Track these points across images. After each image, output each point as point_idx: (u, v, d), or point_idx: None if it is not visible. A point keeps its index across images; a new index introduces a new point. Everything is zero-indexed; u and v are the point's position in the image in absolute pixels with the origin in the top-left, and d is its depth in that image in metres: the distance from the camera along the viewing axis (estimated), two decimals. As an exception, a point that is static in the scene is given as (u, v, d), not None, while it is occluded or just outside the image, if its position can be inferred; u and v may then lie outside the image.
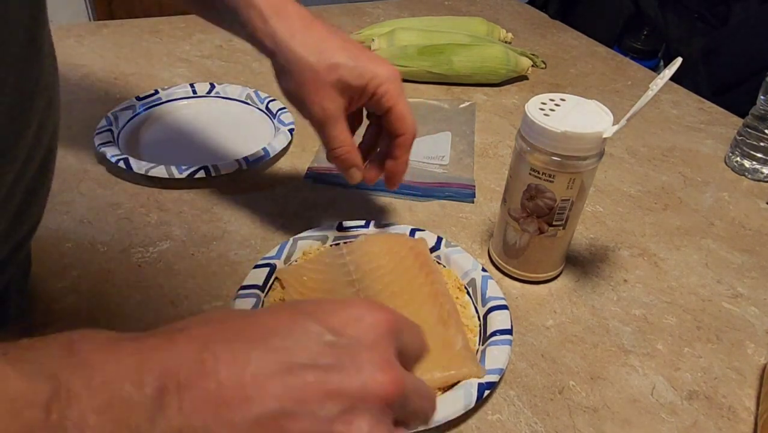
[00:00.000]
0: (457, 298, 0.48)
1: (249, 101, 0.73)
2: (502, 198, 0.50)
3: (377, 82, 0.43)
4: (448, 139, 0.71)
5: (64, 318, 0.45)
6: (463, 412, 0.38)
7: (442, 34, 0.86)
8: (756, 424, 0.41)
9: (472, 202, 0.61)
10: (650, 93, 0.41)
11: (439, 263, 0.51)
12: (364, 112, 0.49)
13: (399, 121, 0.44)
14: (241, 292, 0.45)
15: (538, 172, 0.45)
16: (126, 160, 0.58)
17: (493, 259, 0.53)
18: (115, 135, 0.65)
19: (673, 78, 0.42)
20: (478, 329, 0.46)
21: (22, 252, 0.40)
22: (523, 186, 0.46)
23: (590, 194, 0.63)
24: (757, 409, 0.43)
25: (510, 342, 0.43)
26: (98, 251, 0.51)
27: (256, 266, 0.48)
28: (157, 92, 0.72)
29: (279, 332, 0.23)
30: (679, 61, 0.41)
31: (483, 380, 0.40)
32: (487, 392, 0.40)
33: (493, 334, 0.44)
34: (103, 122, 0.65)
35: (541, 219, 0.47)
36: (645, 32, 1.23)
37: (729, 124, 0.80)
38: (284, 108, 0.70)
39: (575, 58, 0.96)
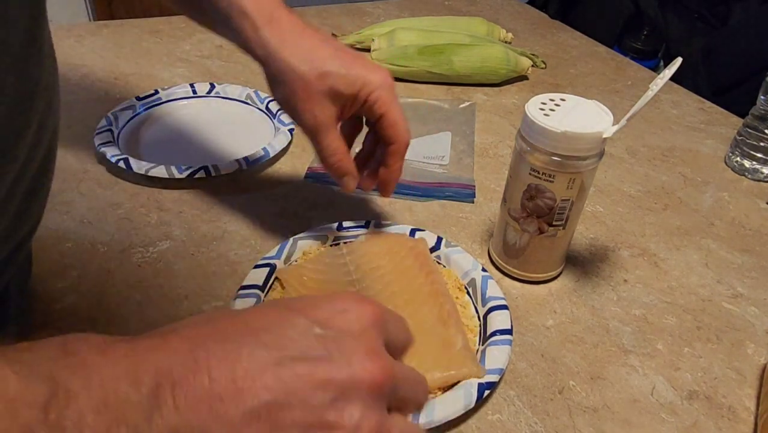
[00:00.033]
0: (457, 298, 0.48)
1: (249, 101, 0.73)
2: (502, 198, 0.50)
3: (369, 89, 0.43)
4: (448, 139, 0.71)
5: (64, 318, 0.45)
6: (463, 412, 0.38)
7: (442, 34, 0.86)
8: (756, 424, 0.41)
9: (472, 202, 0.61)
10: (650, 93, 0.41)
11: (439, 263, 0.51)
12: (364, 119, 0.49)
13: (391, 128, 0.44)
14: (241, 292, 0.45)
15: (538, 172, 0.45)
16: (126, 160, 0.58)
17: (493, 259, 0.53)
18: (115, 135, 0.65)
19: (673, 78, 0.42)
20: (478, 329, 0.46)
21: (22, 252, 0.40)
22: (523, 186, 0.46)
23: (590, 194, 0.63)
24: (757, 409, 0.43)
25: (510, 342, 0.43)
26: (98, 251, 0.51)
27: (256, 266, 0.48)
28: (157, 92, 0.72)
29: (268, 328, 0.23)
30: (679, 61, 0.41)
31: (483, 380, 0.40)
32: (487, 392, 0.40)
33: (493, 334, 0.44)
34: (103, 122, 0.65)
35: (541, 219, 0.47)
36: (645, 32, 1.23)
37: (729, 124, 0.80)
38: (284, 108, 0.70)
39: (575, 58, 0.96)
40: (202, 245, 0.53)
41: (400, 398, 0.25)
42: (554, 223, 0.47)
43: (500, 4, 1.16)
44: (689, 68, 0.85)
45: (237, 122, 0.71)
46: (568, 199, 0.46)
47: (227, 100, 0.74)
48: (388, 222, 0.54)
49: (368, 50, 0.86)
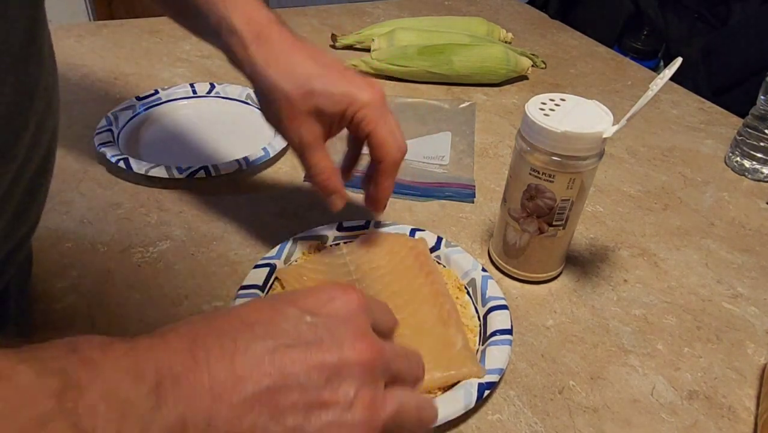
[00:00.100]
0: (457, 298, 0.48)
1: (249, 101, 0.73)
2: (502, 198, 0.50)
3: (355, 107, 0.41)
4: (448, 139, 0.71)
5: (64, 318, 0.45)
6: (463, 412, 0.38)
7: (442, 34, 0.86)
8: (756, 424, 0.41)
9: (472, 202, 0.61)
10: (650, 93, 0.41)
11: (439, 263, 0.51)
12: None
13: (378, 147, 0.43)
14: (241, 292, 0.45)
15: (538, 172, 0.45)
16: (126, 160, 0.58)
17: (493, 259, 0.53)
18: (115, 135, 0.65)
19: (673, 78, 0.42)
20: (478, 329, 0.46)
21: (21, 252, 0.40)
22: (523, 186, 0.46)
23: (590, 194, 0.63)
24: (757, 409, 0.43)
25: (510, 342, 0.43)
26: (98, 251, 0.51)
27: (256, 266, 0.48)
28: (157, 92, 0.72)
29: (261, 321, 0.25)
30: (679, 61, 0.41)
31: (483, 380, 0.40)
32: (487, 392, 0.40)
33: (493, 334, 0.44)
34: (103, 122, 0.65)
35: (541, 219, 0.47)
36: (645, 32, 1.23)
37: (729, 124, 0.80)
38: (284, 108, 0.70)
39: (575, 58, 0.96)
40: (202, 245, 0.53)
41: (395, 373, 0.27)
42: (554, 223, 0.47)
43: (500, 4, 1.16)
44: (689, 68, 0.85)
45: (237, 122, 0.71)
46: (568, 199, 0.46)
47: (227, 100, 0.74)
48: (388, 222, 0.54)
49: (368, 50, 0.86)
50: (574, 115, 0.44)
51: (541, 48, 0.99)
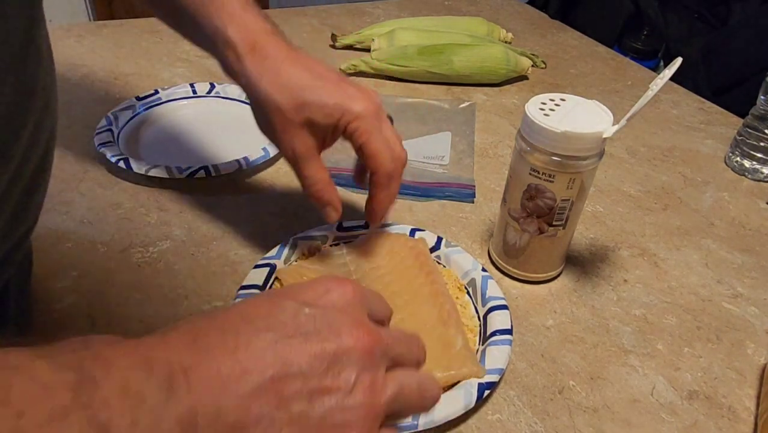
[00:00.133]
0: (457, 298, 0.48)
1: (249, 101, 0.73)
2: (502, 198, 0.50)
3: (347, 119, 0.41)
4: (448, 139, 0.71)
5: (64, 318, 0.45)
6: (463, 412, 0.38)
7: (442, 34, 0.86)
8: (756, 424, 0.41)
9: (472, 202, 0.61)
10: (650, 93, 0.41)
11: (439, 263, 0.51)
12: None
13: (371, 159, 0.42)
14: (241, 292, 0.45)
15: (538, 172, 0.45)
16: (126, 160, 0.58)
17: (493, 259, 0.53)
18: (115, 135, 0.65)
19: (673, 78, 0.42)
20: (478, 329, 0.46)
21: (20, 252, 0.40)
22: (523, 186, 0.46)
23: (590, 194, 0.63)
24: (757, 409, 0.43)
25: (510, 342, 0.43)
26: (98, 251, 0.51)
27: (256, 266, 0.48)
28: (157, 92, 0.72)
29: (261, 315, 0.26)
30: (679, 61, 0.41)
31: (483, 380, 0.40)
32: (487, 392, 0.40)
33: (493, 334, 0.44)
34: (103, 122, 0.65)
35: (541, 219, 0.47)
36: (645, 32, 1.23)
37: (729, 124, 0.80)
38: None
39: (575, 58, 0.96)
40: (202, 245, 0.53)
41: (395, 356, 0.28)
42: (554, 223, 0.47)
43: (500, 4, 1.16)
44: (689, 68, 0.85)
45: (237, 122, 0.71)
46: (568, 199, 0.46)
47: (227, 100, 0.74)
48: (388, 222, 0.54)
49: (368, 50, 0.86)
50: (574, 115, 0.44)
51: (541, 48, 0.99)
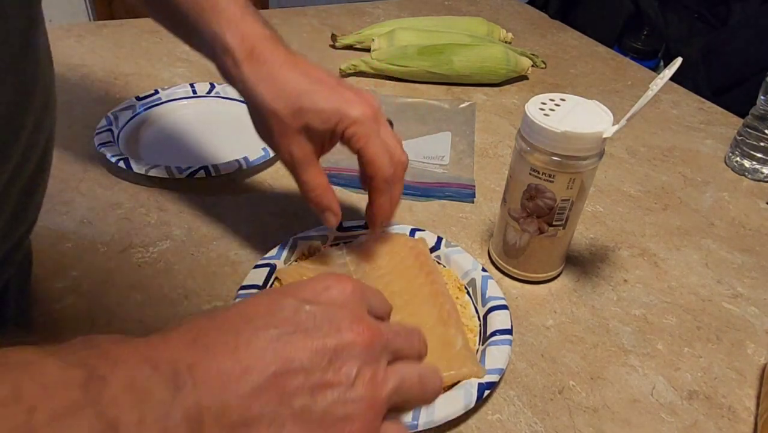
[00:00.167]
0: (457, 298, 0.48)
1: (247, 106, 0.73)
2: (502, 198, 0.50)
3: (344, 124, 0.41)
4: (448, 139, 0.71)
5: (64, 318, 0.45)
6: (463, 412, 0.38)
7: (442, 34, 0.86)
8: (756, 424, 0.41)
9: (472, 202, 0.61)
10: (650, 93, 0.41)
11: (439, 263, 0.51)
12: None
13: (368, 164, 0.42)
14: (241, 292, 0.45)
15: (538, 172, 0.45)
16: (126, 161, 0.59)
17: (493, 259, 0.53)
18: (115, 135, 0.65)
19: (673, 78, 0.42)
20: (478, 329, 0.46)
21: (19, 252, 0.40)
22: (523, 186, 0.46)
23: (590, 194, 0.63)
24: (757, 409, 0.43)
25: (510, 342, 0.43)
26: (98, 251, 0.51)
27: (256, 266, 0.48)
28: (157, 92, 0.72)
29: (261, 313, 0.26)
30: (679, 61, 0.41)
31: (483, 380, 0.40)
32: (487, 392, 0.40)
33: (493, 334, 0.44)
34: (103, 122, 0.65)
35: (541, 219, 0.47)
36: (645, 32, 1.23)
37: (729, 124, 0.80)
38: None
39: (575, 58, 0.96)
40: (202, 245, 0.53)
41: (396, 350, 0.28)
42: (554, 223, 0.47)
43: (500, 4, 1.16)
44: (689, 68, 0.85)
45: (237, 122, 0.71)
46: (568, 199, 0.46)
47: (227, 100, 0.74)
48: (389, 222, 0.54)
49: (368, 50, 0.86)
50: (574, 115, 0.44)
51: (541, 48, 0.99)
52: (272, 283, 0.47)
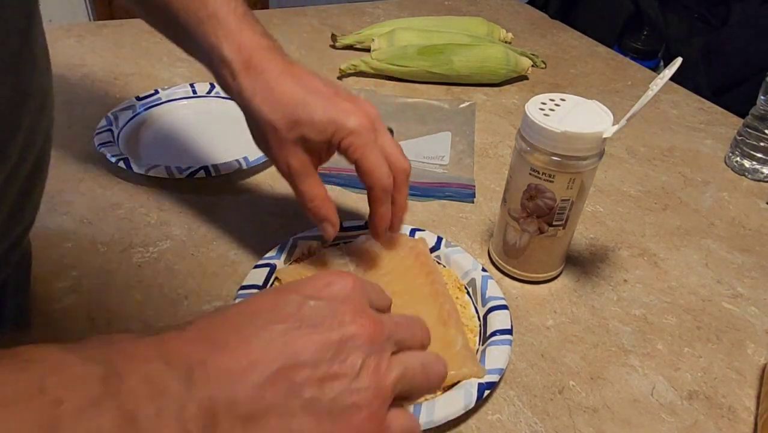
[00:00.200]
0: (457, 298, 0.48)
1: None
2: (502, 198, 0.50)
3: (340, 135, 0.40)
4: (448, 139, 0.71)
5: (64, 318, 0.45)
6: (463, 412, 0.38)
7: (442, 34, 0.86)
8: (756, 424, 0.41)
9: (472, 202, 0.61)
10: (650, 93, 0.41)
11: (439, 263, 0.51)
12: None
13: (366, 175, 0.42)
14: (241, 292, 0.45)
15: (538, 172, 0.45)
16: (126, 161, 0.58)
17: (493, 259, 0.53)
18: (115, 135, 0.65)
19: (673, 78, 0.42)
20: (478, 329, 0.46)
21: (17, 252, 0.40)
22: (523, 186, 0.46)
23: (590, 194, 0.63)
24: (757, 409, 0.43)
25: (510, 342, 0.43)
26: (98, 251, 0.51)
27: (256, 266, 0.48)
28: (157, 92, 0.72)
29: (266, 310, 0.27)
30: (679, 61, 0.41)
31: (483, 380, 0.40)
32: (487, 392, 0.40)
33: (493, 334, 0.44)
34: (103, 122, 0.65)
35: (541, 219, 0.47)
36: (645, 32, 1.23)
37: (729, 124, 0.80)
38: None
39: (575, 58, 0.96)
40: (202, 245, 0.53)
41: (400, 340, 0.29)
42: (554, 223, 0.47)
43: (500, 4, 1.16)
44: (689, 68, 0.85)
45: (237, 122, 0.70)
46: (568, 199, 0.46)
47: (227, 100, 0.73)
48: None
49: (368, 50, 0.86)
50: (574, 115, 0.44)
51: (541, 48, 0.99)
52: (272, 283, 0.47)
